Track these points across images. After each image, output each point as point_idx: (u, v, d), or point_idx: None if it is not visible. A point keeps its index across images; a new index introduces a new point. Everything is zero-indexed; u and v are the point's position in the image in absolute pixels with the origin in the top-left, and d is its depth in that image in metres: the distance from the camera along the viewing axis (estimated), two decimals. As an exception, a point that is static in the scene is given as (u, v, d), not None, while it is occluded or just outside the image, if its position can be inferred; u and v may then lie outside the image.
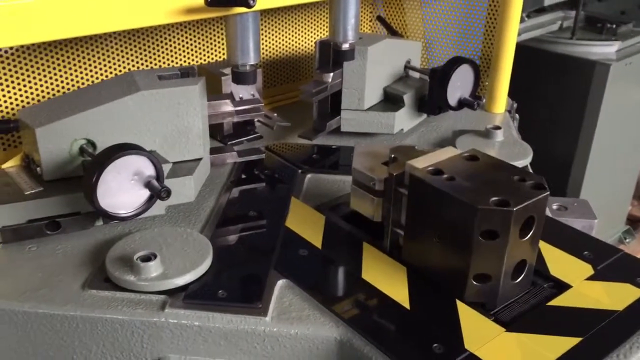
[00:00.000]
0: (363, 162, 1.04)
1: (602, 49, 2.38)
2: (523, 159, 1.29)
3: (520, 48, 2.28)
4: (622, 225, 2.91)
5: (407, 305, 0.87)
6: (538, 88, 2.48)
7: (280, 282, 0.92)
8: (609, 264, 0.96)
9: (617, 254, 0.98)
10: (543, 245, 1.00)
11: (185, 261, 0.92)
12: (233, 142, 1.32)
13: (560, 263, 0.96)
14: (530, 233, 0.86)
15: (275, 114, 1.35)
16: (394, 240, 0.99)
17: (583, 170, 2.46)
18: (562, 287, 0.91)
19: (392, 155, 1.02)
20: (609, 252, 0.99)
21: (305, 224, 1.07)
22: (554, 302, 0.87)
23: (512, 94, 1.64)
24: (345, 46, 1.27)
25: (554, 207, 1.25)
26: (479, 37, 1.67)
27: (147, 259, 0.90)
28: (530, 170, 1.28)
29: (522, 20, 2.33)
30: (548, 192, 0.86)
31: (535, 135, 2.46)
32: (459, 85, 1.42)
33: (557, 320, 0.84)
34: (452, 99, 1.42)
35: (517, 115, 1.60)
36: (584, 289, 0.90)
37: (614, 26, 2.46)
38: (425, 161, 0.93)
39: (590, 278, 0.93)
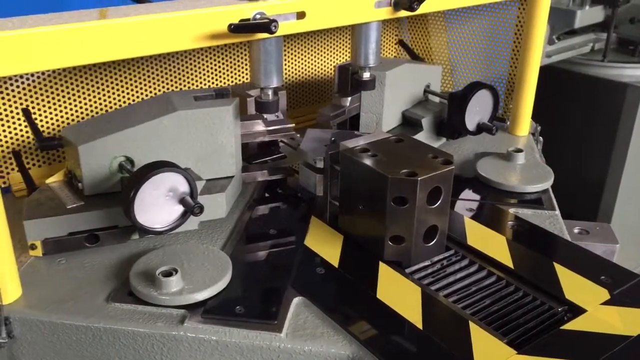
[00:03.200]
0: (309, 145, 1.24)
1: (634, 72, 2.35)
2: (544, 181, 1.28)
3: (551, 70, 2.28)
4: (656, 251, 2.84)
5: (420, 325, 0.88)
6: (569, 110, 2.46)
7: (297, 300, 0.94)
8: (625, 289, 0.95)
9: (634, 279, 0.98)
10: (559, 269, 1.00)
11: (205, 277, 0.95)
12: (257, 161, 1.36)
13: (576, 287, 0.96)
14: (439, 202, 1.00)
15: (299, 135, 1.38)
16: (332, 212, 1.14)
17: (615, 194, 2.42)
18: (576, 311, 0.91)
19: (333, 139, 1.19)
20: (626, 277, 0.98)
21: (324, 243, 1.09)
22: (568, 326, 0.87)
23: (542, 116, 1.64)
24: (366, 76, 1.30)
25: (576, 230, 1.25)
26: (506, 60, 1.68)
27: (168, 274, 0.93)
28: (552, 195, 1.28)
29: (552, 43, 2.33)
30: (453, 167, 1.01)
31: (566, 158, 2.45)
32: (478, 110, 1.42)
33: (570, 344, 0.84)
34: (471, 124, 1.42)
35: (540, 138, 1.60)
36: (599, 314, 0.90)
37: (647, 48, 2.44)
38: (357, 142, 1.10)
39: (606, 303, 0.92)
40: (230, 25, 0.97)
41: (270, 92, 1.17)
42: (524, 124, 1.57)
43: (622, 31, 2.55)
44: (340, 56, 1.79)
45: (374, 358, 0.82)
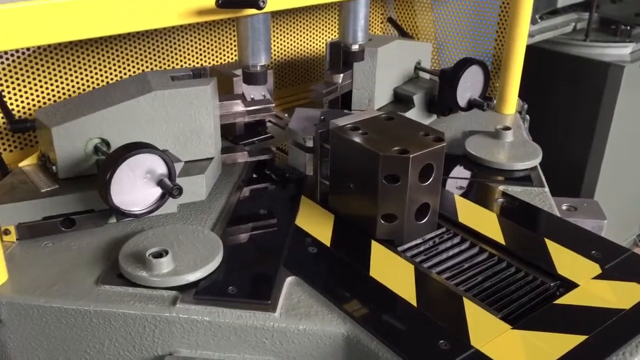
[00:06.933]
0: (298, 124, 1.22)
1: (616, 51, 2.37)
2: (533, 159, 1.29)
3: (534, 50, 2.28)
4: (636, 228, 2.89)
5: (414, 302, 0.88)
6: (552, 90, 2.48)
7: (289, 279, 0.93)
8: (616, 263, 0.96)
9: (625, 253, 0.98)
10: (550, 245, 1.01)
11: (196, 258, 0.94)
12: (244, 142, 1.34)
13: (568, 262, 0.96)
14: (430, 179, 1.00)
15: (286, 115, 1.36)
16: (323, 191, 1.12)
17: (597, 172, 2.45)
18: (569, 285, 0.91)
19: (322, 117, 1.18)
20: (617, 251, 0.99)
21: (315, 222, 1.08)
22: (561, 301, 0.88)
23: (525, 96, 1.64)
24: (355, 47, 1.29)
25: (564, 207, 1.26)
26: (491, 38, 1.68)
27: (158, 255, 0.92)
28: (541, 172, 1.28)
29: (535, 22, 2.33)
30: (444, 144, 1.00)
31: (549, 137, 2.46)
32: (469, 86, 1.42)
33: (563, 318, 0.84)
34: (462, 100, 1.43)
35: (527, 117, 1.60)
36: (591, 288, 0.90)
37: (628, 28, 2.45)
38: (347, 120, 1.09)
39: (598, 277, 0.93)
40: (217, 0, 0.95)
41: (258, 67, 1.15)
42: (511, 102, 1.57)
43: (603, 11, 2.57)
44: (328, 35, 1.77)
45: (369, 335, 0.82)
